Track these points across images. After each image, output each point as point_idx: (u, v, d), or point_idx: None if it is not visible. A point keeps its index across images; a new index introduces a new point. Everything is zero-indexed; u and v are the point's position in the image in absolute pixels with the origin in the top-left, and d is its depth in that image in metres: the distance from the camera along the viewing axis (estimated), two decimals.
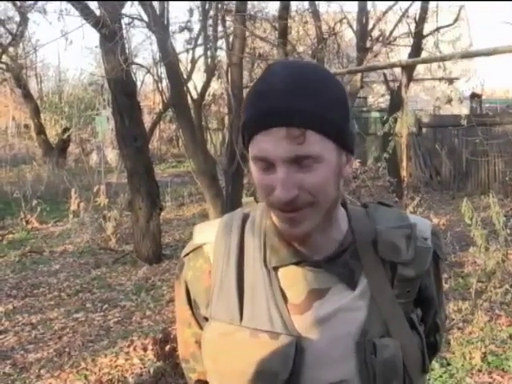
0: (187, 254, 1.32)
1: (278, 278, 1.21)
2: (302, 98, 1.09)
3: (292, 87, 1.09)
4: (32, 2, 15.76)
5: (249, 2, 10.11)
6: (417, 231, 1.26)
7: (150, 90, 20.54)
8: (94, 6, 7.97)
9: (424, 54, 13.39)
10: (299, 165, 1.09)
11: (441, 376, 4.50)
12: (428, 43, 13.86)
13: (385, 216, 1.28)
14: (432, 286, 1.32)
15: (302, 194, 1.10)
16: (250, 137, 1.12)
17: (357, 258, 1.23)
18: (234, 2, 9.00)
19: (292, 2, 11.97)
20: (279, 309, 1.19)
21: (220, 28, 8.84)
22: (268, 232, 1.24)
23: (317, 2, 13.98)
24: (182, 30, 8.33)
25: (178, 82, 7.64)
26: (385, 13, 13.94)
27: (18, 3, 16.97)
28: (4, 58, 19.48)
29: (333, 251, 1.22)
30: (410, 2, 13.33)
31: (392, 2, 13.78)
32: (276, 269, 1.22)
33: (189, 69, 8.77)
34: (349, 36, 16.30)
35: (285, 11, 10.77)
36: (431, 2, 12.83)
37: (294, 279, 1.21)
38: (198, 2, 8.32)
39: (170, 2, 7.57)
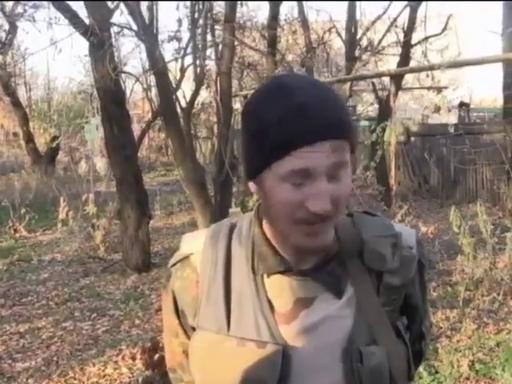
0: (174, 264, 1.33)
1: (265, 287, 1.22)
2: (337, 110, 1.13)
3: (327, 100, 1.13)
4: (21, 10, 15.73)
5: (238, 11, 10.15)
6: (402, 240, 1.28)
7: (139, 99, 20.56)
8: (83, 14, 7.97)
9: (412, 63, 13.45)
10: (332, 176, 1.12)
11: None
12: (416, 52, 13.92)
13: (370, 225, 1.29)
14: (417, 294, 1.34)
15: (333, 207, 1.13)
16: (287, 152, 1.10)
17: (343, 266, 1.24)
18: (223, 11, 9.03)
19: (281, 11, 12.00)
20: (266, 318, 1.19)
21: (209, 37, 8.87)
22: (256, 240, 1.25)
23: (306, 11, 14.01)
24: (170, 39, 8.34)
25: (167, 90, 7.65)
26: (373, 22, 13.99)
27: (7, 12, 16.94)
28: None
29: (319, 260, 1.23)
30: (398, 12, 13.34)
31: (381, 12, 13.82)
32: (263, 278, 1.23)
33: (178, 77, 8.79)
34: (338, 45, 16.36)
35: (274, 20, 10.82)
36: (420, 11, 12.89)
37: (281, 288, 1.22)
38: (188, 11, 8.35)
39: (160, 12, 7.60)
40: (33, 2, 14.63)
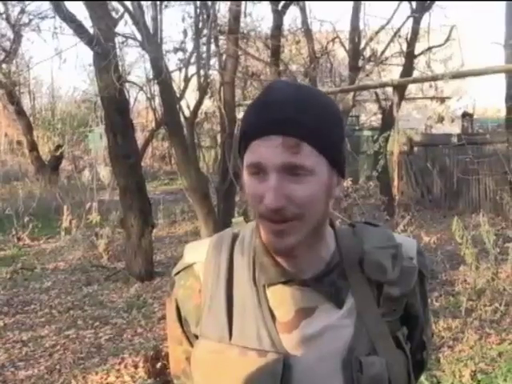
0: (178, 273, 1.34)
1: (267, 296, 1.23)
2: (302, 111, 1.13)
3: (294, 100, 1.14)
4: (26, 20, 15.83)
5: (242, 21, 10.18)
6: (402, 251, 1.28)
7: (143, 108, 20.58)
8: (88, 24, 8.02)
9: (416, 74, 13.48)
10: (291, 175, 1.12)
11: None
12: (420, 62, 13.95)
13: (371, 236, 1.30)
14: (418, 305, 1.34)
15: (291, 206, 1.13)
16: (247, 144, 1.15)
17: (344, 277, 1.25)
18: (227, 21, 9.07)
19: (285, 22, 12.05)
20: (267, 327, 1.20)
21: (213, 47, 8.91)
22: (257, 251, 1.26)
23: (309, 22, 14.04)
24: (176, 50, 8.38)
25: (170, 100, 7.68)
26: (377, 32, 13.99)
27: (12, 21, 17.03)
28: None
29: (320, 270, 1.24)
30: (401, 22, 13.39)
31: (384, 22, 13.84)
32: (265, 287, 1.24)
33: (182, 87, 8.82)
34: (341, 55, 16.38)
35: (277, 30, 10.86)
36: (423, 22, 12.94)
37: (282, 298, 1.23)
38: (192, 21, 8.40)
39: (164, 22, 7.64)
40: (37, 12, 14.74)
